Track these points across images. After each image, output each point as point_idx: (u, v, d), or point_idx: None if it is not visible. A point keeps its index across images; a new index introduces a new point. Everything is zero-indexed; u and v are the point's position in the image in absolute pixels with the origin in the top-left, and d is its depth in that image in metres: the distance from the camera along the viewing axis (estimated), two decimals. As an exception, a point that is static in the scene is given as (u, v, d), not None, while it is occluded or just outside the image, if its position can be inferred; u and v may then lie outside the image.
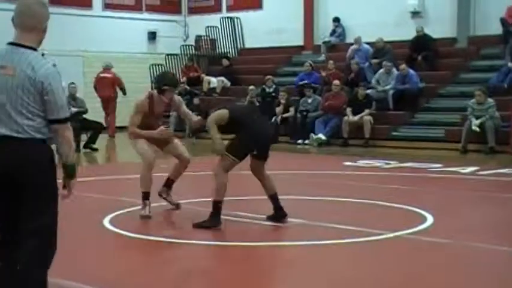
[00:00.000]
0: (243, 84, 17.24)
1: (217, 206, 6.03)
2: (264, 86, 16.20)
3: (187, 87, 17.24)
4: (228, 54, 19.41)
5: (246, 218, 6.59)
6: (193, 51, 19.63)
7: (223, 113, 6.10)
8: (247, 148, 6.16)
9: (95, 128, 13.82)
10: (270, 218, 6.28)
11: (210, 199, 6.34)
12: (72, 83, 14.49)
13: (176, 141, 6.84)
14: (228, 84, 17.96)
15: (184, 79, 17.74)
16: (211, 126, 6.06)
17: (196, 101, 16.81)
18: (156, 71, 18.69)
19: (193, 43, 19.93)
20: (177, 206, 6.91)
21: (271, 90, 16.04)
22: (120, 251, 5.64)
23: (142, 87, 18.58)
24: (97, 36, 18.33)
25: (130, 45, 18.88)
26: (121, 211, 6.69)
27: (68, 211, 7.12)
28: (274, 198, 6.25)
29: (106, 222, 6.29)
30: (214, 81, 17.86)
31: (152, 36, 19.85)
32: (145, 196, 6.55)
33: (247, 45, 19.84)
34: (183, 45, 19.67)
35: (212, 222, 6.01)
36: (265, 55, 18.73)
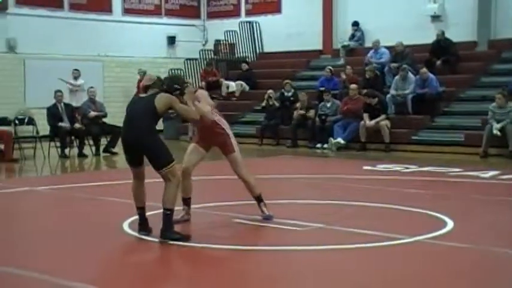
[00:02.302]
0: (261, 88, 17.23)
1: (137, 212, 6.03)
2: (282, 90, 16.20)
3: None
4: (247, 59, 19.43)
5: (261, 222, 6.57)
6: (212, 56, 19.67)
7: None
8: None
9: (115, 132, 13.88)
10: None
11: (224, 203, 6.32)
12: (92, 86, 14.61)
13: (236, 153, 6.59)
14: (247, 88, 17.74)
15: (203, 83, 17.74)
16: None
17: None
18: (175, 76, 18.78)
19: (212, 47, 19.98)
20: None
21: (289, 94, 16.03)
22: (137, 255, 5.65)
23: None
24: (117, 40, 18.45)
25: (149, 50, 18.98)
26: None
27: (87, 214, 7.20)
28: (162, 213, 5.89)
29: (125, 225, 6.31)
30: (233, 85, 17.75)
31: (171, 40, 19.94)
32: (183, 202, 6.54)
33: (266, 49, 19.84)
34: (202, 50, 19.73)
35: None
36: (283, 59, 18.73)
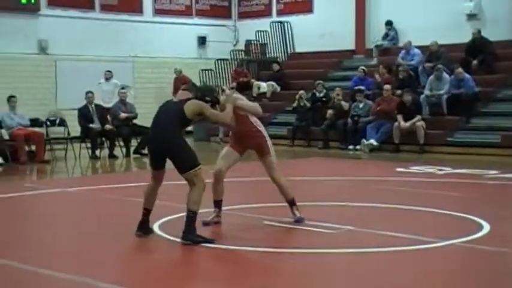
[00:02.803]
0: (293, 89, 17.23)
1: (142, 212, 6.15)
2: (314, 90, 16.18)
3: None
4: (278, 59, 19.44)
5: (292, 224, 6.58)
6: (243, 56, 19.73)
7: None
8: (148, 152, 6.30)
9: (145, 133, 14.01)
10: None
11: (254, 205, 6.33)
12: (123, 87, 14.77)
13: (271, 156, 6.62)
14: (278, 89, 17.76)
15: (233, 84, 17.79)
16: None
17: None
18: (206, 76, 18.90)
19: (243, 48, 20.03)
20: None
21: (321, 94, 16.01)
22: (167, 257, 5.71)
23: (192, 93, 18.81)
24: (147, 41, 18.63)
25: (180, 50, 19.11)
26: (171, 216, 6.76)
27: (118, 216, 7.30)
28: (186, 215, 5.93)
29: (156, 227, 6.38)
30: (264, 86, 17.77)
31: (202, 41, 20.05)
32: (214, 204, 6.59)
33: (298, 49, 19.83)
34: (232, 50, 19.80)
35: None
36: (315, 59, 18.70)
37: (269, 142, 6.66)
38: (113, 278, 4.88)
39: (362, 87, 15.43)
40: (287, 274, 5.04)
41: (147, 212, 6.11)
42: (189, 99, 5.97)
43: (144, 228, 6.11)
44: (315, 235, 6.22)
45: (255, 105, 6.60)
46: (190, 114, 5.91)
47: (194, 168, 5.84)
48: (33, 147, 12.83)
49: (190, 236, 5.78)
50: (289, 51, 19.90)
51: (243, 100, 6.57)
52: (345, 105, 15.06)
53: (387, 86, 14.76)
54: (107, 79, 15.82)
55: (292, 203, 6.70)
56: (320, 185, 9.62)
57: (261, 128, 6.71)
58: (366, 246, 5.71)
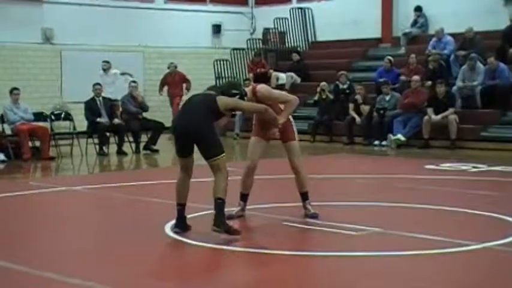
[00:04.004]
0: (314, 81, 17.19)
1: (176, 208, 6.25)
2: (337, 82, 16.12)
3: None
4: (298, 48, 19.40)
5: (317, 225, 6.56)
6: (261, 45, 19.70)
7: None
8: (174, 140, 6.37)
9: (156, 128, 14.05)
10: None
11: (272, 204, 6.29)
12: (134, 81, 14.78)
13: (296, 142, 6.80)
14: (298, 80, 17.96)
15: (250, 75, 17.84)
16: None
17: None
18: (221, 67, 18.90)
19: (260, 36, 20.00)
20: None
21: (345, 86, 15.94)
22: (180, 259, 5.71)
23: (206, 84, 18.80)
24: (158, 30, 18.66)
25: (193, 40, 19.13)
26: (189, 216, 6.74)
27: (127, 216, 7.31)
28: (214, 203, 6.05)
29: (167, 228, 6.38)
30: (283, 77, 17.88)
31: (217, 29, 20.05)
32: (241, 197, 6.79)
33: (319, 38, 19.77)
34: (249, 39, 19.78)
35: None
36: (338, 48, 18.64)
37: (295, 128, 6.85)
38: (124, 283, 4.89)
39: (387, 80, 15.33)
40: (306, 280, 5.01)
41: (181, 207, 6.22)
42: (217, 94, 6.19)
43: (182, 224, 6.22)
44: (340, 237, 6.19)
45: (291, 100, 6.75)
46: (223, 106, 6.12)
47: (221, 154, 6.05)
48: (37, 143, 12.89)
49: (221, 223, 5.91)
50: (310, 40, 19.85)
51: (275, 93, 6.80)
52: (365, 109, 14.96)
53: (416, 77, 14.67)
54: (105, 70, 15.75)
55: (305, 197, 6.85)
56: (344, 184, 9.59)
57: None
58: (395, 250, 5.67)
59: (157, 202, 7.81)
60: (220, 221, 5.93)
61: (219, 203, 5.95)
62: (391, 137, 14.27)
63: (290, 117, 6.83)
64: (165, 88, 17.47)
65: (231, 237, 5.90)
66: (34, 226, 6.93)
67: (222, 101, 6.12)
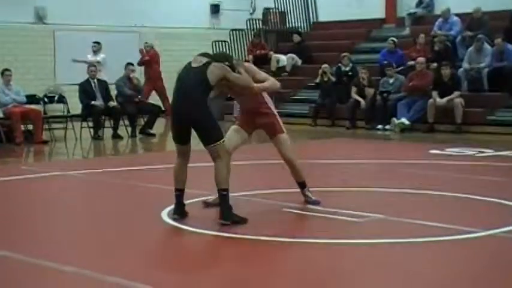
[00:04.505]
0: (315, 63, 17.16)
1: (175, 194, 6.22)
2: (339, 64, 16.10)
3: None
4: (300, 29, 19.35)
5: (318, 212, 6.58)
6: (261, 26, 19.66)
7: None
8: (171, 125, 6.31)
9: (152, 111, 14.05)
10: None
11: (273, 190, 6.26)
12: (130, 63, 14.71)
13: (285, 135, 6.72)
14: (299, 62, 17.93)
15: (250, 57, 17.81)
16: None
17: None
18: (219, 48, 18.86)
19: (260, 17, 19.95)
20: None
21: (347, 69, 15.92)
22: (178, 247, 5.74)
23: (204, 66, 18.79)
24: (155, 9, 18.59)
25: (190, 20, 19.06)
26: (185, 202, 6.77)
27: (123, 202, 7.33)
28: (218, 195, 6.09)
29: (164, 214, 6.40)
30: (283, 59, 17.86)
31: (215, 9, 19.99)
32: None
33: (321, 18, 19.72)
34: (249, 19, 19.72)
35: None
36: (341, 29, 18.60)
37: (280, 120, 6.76)
38: (122, 272, 4.91)
39: (391, 62, 15.30)
40: (310, 268, 5.03)
41: (180, 192, 6.21)
42: (209, 62, 6.05)
43: (180, 210, 6.21)
44: (342, 224, 6.21)
45: (273, 80, 6.60)
46: (213, 79, 6.04)
47: (221, 139, 6.05)
48: (30, 127, 12.89)
49: (228, 216, 5.94)
50: (311, 21, 19.80)
51: (260, 74, 6.56)
52: (370, 92, 14.95)
53: (421, 59, 14.64)
54: (95, 52, 15.71)
55: (303, 185, 6.85)
56: (346, 169, 9.60)
57: (272, 105, 6.78)
58: (398, 237, 5.69)
59: (155, 188, 7.82)
60: (227, 214, 5.95)
61: (223, 195, 5.96)
62: (395, 120, 14.27)
63: (275, 110, 6.75)
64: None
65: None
66: (26, 212, 6.95)
67: (213, 72, 6.01)
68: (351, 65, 15.98)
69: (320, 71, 16.04)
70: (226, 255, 5.42)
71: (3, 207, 7.18)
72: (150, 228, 6.11)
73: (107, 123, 13.72)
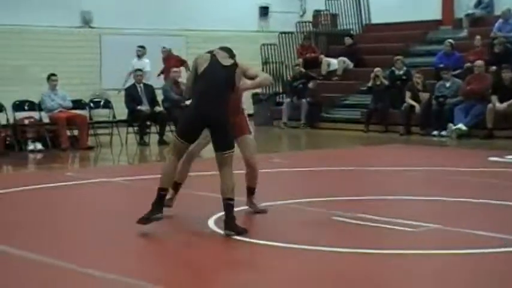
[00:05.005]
0: (368, 66, 17.06)
1: (159, 193, 6.08)
2: (392, 68, 15.98)
3: (303, 70, 17.26)
4: (351, 31, 19.27)
5: (370, 221, 6.52)
6: (311, 28, 19.62)
7: (204, 57, 6.14)
8: (186, 123, 6.14)
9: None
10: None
11: (321, 198, 6.26)
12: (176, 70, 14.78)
13: (251, 136, 6.75)
14: (351, 65, 17.85)
15: (300, 60, 17.79)
16: None
17: (312, 85, 16.82)
18: (268, 52, 18.87)
19: (310, 19, 19.92)
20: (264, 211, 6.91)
21: (401, 72, 15.80)
22: (226, 256, 5.73)
23: (252, 70, 18.83)
24: (202, 12, 18.71)
25: (238, 23, 19.13)
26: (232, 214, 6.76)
27: (169, 209, 7.34)
28: (224, 204, 6.04)
29: (211, 222, 6.41)
30: (334, 62, 17.80)
31: (264, 11, 20.03)
32: (175, 186, 6.65)
33: (374, 20, 19.59)
34: (299, 22, 19.71)
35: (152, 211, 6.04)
36: (395, 31, 18.45)
37: (249, 122, 6.80)
38: (157, 278, 4.92)
39: (448, 65, 15.12)
40: (362, 279, 4.98)
41: (165, 192, 6.15)
42: (236, 64, 6.07)
43: (160, 209, 6.07)
44: (395, 234, 6.14)
45: (266, 75, 6.64)
46: (238, 81, 6.07)
47: (232, 148, 6.03)
48: (76, 132, 13.07)
49: (234, 226, 5.93)
50: (364, 23, 19.69)
51: (252, 69, 6.48)
52: (424, 96, 14.78)
53: (479, 62, 14.43)
54: (139, 56, 15.81)
55: (253, 192, 6.82)
56: (400, 176, 9.50)
57: (244, 105, 6.81)
58: (455, 247, 5.60)
59: (202, 195, 7.83)
60: (233, 224, 5.93)
61: (230, 204, 5.95)
62: (452, 126, 14.09)
63: (245, 111, 6.75)
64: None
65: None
66: (69, 219, 7.04)
67: (238, 75, 6.05)
68: (404, 68, 15.84)
69: (372, 75, 15.93)
70: (275, 265, 5.36)
71: (47, 214, 7.27)
72: (197, 236, 6.11)
73: (153, 129, 13.83)
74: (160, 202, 6.07)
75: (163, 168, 6.17)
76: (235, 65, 6.07)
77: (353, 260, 5.45)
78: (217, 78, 6.01)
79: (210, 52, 6.23)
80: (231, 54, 6.21)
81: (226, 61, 6.10)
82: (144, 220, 6.00)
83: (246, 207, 6.85)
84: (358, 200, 7.14)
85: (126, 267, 5.22)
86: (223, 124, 5.97)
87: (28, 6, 16.42)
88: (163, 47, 16.97)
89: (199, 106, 6.02)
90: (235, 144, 6.30)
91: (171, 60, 16.95)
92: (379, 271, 5.18)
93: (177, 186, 6.72)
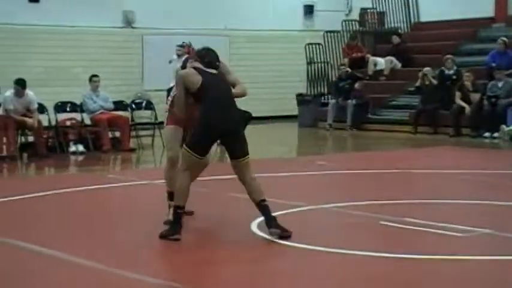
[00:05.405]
0: (416, 66, 16.91)
1: (176, 212, 6.01)
2: (442, 67, 15.81)
3: (349, 70, 17.17)
4: (399, 30, 19.12)
5: (418, 226, 6.45)
6: (357, 27, 19.52)
7: (190, 73, 6.09)
8: (201, 137, 6.04)
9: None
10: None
11: (367, 202, 6.22)
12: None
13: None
14: (399, 65, 17.71)
15: (345, 60, 17.70)
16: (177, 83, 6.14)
17: (358, 85, 16.73)
18: (313, 51, 18.83)
19: (357, 17, 19.82)
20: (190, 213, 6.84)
21: (451, 72, 15.63)
22: (271, 262, 5.73)
23: (296, 70, 18.82)
24: (245, 12, 18.74)
25: (283, 22, 19.12)
26: (274, 214, 6.76)
27: (216, 212, 7.37)
28: (259, 207, 6.02)
29: (254, 226, 6.41)
30: (381, 62, 17.68)
31: (309, 10, 19.99)
32: (168, 197, 6.65)
33: (423, 18, 19.41)
34: (345, 21, 19.62)
35: (171, 230, 6.01)
36: (444, 29, 18.24)
37: None
38: (199, 284, 4.94)
39: (501, 64, 14.92)
40: (413, 286, 4.93)
41: (182, 210, 6.07)
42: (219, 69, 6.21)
43: (177, 232, 6.03)
44: (445, 239, 6.08)
45: (244, 87, 6.52)
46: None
47: (248, 153, 6.06)
48: (117, 134, 13.19)
49: (277, 224, 5.94)
50: (412, 21, 19.52)
51: (231, 75, 6.50)
52: (475, 97, 14.59)
53: (533, 61, 14.20)
54: (179, 56, 15.80)
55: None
56: (449, 179, 9.40)
57: None
58: (508, 253, 5.53)
59: (242, 198, 7.84)
60: (276, 222, 5.96)
61: (266, 205, 5.98)
62: (504, 128, 13.92)
63: None
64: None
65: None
66: (109, 221, 7.11)
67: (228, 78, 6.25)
68: (455, 67, 15.67)
69: (420, 74, 15.80)
70: (324, 272, 5.33)
71: (87, 217, 7.36)
72: (238, 239, 6.12)
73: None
74: (179, 222, 6.04)
75: (179, 185, 6.11)
76: (220, 68, 6.21)
77: (401, 266, 5.40)
78: (223, 89, 6.11)
79: (194, 67, 6.22)
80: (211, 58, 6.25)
81: (212, 69, 6.17)
82: (162, 237, 6.03)
83: (291, 210, 6.83)
84: (406, 204, 7.08)
85: (162, 270, 5.25)
86: (239, 131, 6.08)
87: (70, 7, 16.64)
88: (184, 42, 16.76)
89: (214, 118, 6.01)
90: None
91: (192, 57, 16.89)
92: (428, 277, 5.12)
93: (172, 196, 6.62)
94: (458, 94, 14.91)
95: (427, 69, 15.82)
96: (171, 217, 6.23)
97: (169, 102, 6.67)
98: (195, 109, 6.20)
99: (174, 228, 6.00)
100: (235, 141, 6.04)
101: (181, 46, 15.69)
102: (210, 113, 6.01)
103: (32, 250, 5.80)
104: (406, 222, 6.55)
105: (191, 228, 6.37)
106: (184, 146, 6.18)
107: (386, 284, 4.99)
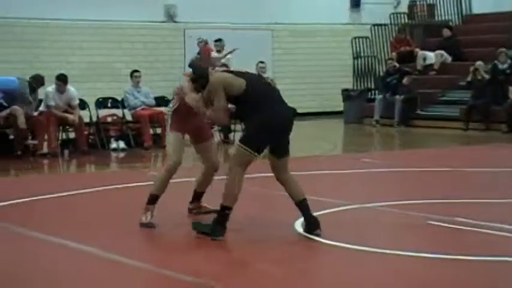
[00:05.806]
0: (467, 60, 16.73)
1: (223, 213, 5.94)
2: (495, 61, 15.62)
3: (397, 65, 17.04)
4: (450, 23, 18.93)
5: (468, 225, 6.38)
6: (406, 20, 19.37)
7: (229, 77, 6.01)
8: (262, 135, 6.00)
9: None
10: (304, 230, 6.09)
11: (414, 201, 6.16)
12: (262, 61, 14.86)
13: (214, 141, 6.93)
14: (449, 59, 17.54)
15: (393, 54, 17.58)
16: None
17: (406, 80, 16.60)
18: (360, 45, 18.73)
19: (405, 10, 19.68)
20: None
21: (504, 66, 15.46)
22: (307, 260, 5.72)
23: (343, 64, 18.73)
24: (289, 5, 18.73)
25: (328, 15, 19.07)
26: (317, 213, 6.74)
27: (258, 211, 7.38)
28: (301, 206, 6.02)
29: (297, 225, 6.40)
30: (431, 56, 17.52)
31: (355, 3, 19.90)
32: (152, 201, 6.69)
33: (475, 10, 19.19)
34: (393, 13, 19.49)
35: (214, 231, 5.95)
36: (498, 22, 18.02)
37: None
38: (239, 284, 4.94)
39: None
40: (460, 286, 4.87)
41: (230, 211, 6.05)
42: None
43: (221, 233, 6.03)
44: (499, 240, 6.02)
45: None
46: None
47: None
48: (159, 130, 13.28)
49: (319, 224, 5.98)
50: (463, 13, 19.31)
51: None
52: None
53: None
54: (219, 51, 15.82)
55: (201, 196, 7.00)
56: (502, 178, 9.27)
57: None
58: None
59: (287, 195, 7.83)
60: (319, 223, 6.00)
61: (308, 204, 6.03)
62: (560, 124, 13.67)
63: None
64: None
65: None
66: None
67: None
68: (509, 61, 15.48)
69: (472, 69, 15.63)
70: (371, 273, 5.29)
71: (128, 215, 7.40)
72: (279, 238, 6.11)
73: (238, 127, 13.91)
74: (224, 223, 6.00)
75: (233, 185, 6.02)
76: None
77: (452, 267, 5.34)
78: (263, 82, 6.29)
79: (225, 70, 6.39)
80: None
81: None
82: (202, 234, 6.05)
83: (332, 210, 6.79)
84: (456, 203, 6.98)
85: (202, 269, 5.27)
86: (292, 128, 6.12)
87: (112, 2, 16.81)
88: (199, 38, 16.73)
89: (275, 115, 6.01)
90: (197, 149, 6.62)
91: (204, 52, 16.94)
92: (481, 279, 5.06)
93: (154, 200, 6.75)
94: (511, 89, 14.70)
95: (479, 63, 15.65)
96: (148, 220, 6.38)
97: (172, 109, 6.67)
98: (196, 114, 6.33)
99: (219, 230, 5.98)
100: (285, 138, 6.08)
101: (219, 40, 15.67)
102: (268, 110, 5.98)
103: (72, 248, 5.88)
104: (456, 222, 6.49)
105: (235, 227, 6.38)
106: (239, 143, 6.12)
107: (440, 286, 4.93)
